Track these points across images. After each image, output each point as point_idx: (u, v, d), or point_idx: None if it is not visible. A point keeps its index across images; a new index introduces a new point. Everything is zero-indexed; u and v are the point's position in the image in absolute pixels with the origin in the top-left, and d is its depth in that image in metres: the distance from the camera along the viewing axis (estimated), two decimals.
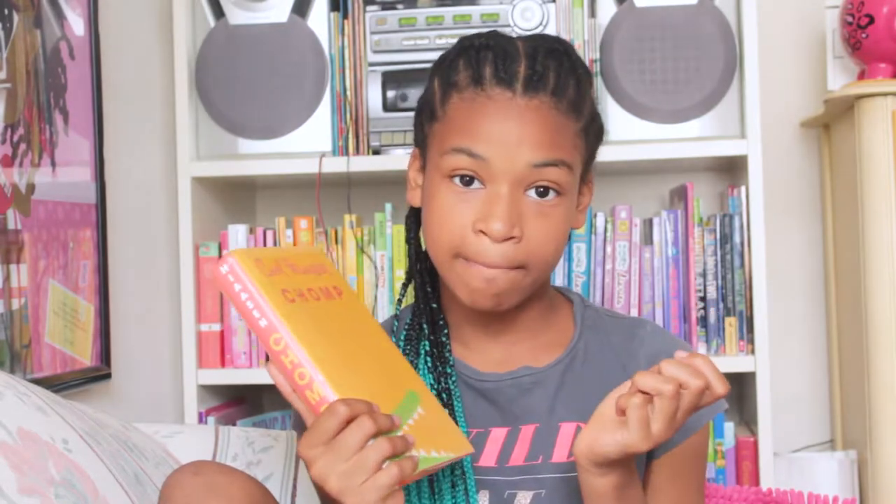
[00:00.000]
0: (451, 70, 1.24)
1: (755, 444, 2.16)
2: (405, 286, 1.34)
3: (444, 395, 1.25)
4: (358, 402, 1.05)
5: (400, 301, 1.36)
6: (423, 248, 1.29)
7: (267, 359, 1.11)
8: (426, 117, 1.27)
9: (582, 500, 1.19)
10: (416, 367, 1.27)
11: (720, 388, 1.09)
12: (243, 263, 1.09)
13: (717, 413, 1.29)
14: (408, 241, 1.33)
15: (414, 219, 1.32)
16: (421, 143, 1.29)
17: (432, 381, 1.26)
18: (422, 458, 1.08)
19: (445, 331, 1.29)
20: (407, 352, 1.29)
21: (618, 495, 1.15)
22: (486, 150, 1.18)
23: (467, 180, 1.19)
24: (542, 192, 1.20)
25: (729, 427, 2.19)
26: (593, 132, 1.27)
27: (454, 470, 1.23)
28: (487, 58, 1.22)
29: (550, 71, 1.21)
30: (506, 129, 1.18)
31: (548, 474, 1.24)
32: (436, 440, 1.12)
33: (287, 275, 1.13)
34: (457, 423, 1.23)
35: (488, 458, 1.25)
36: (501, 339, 1.29)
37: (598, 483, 1.14)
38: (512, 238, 1.18)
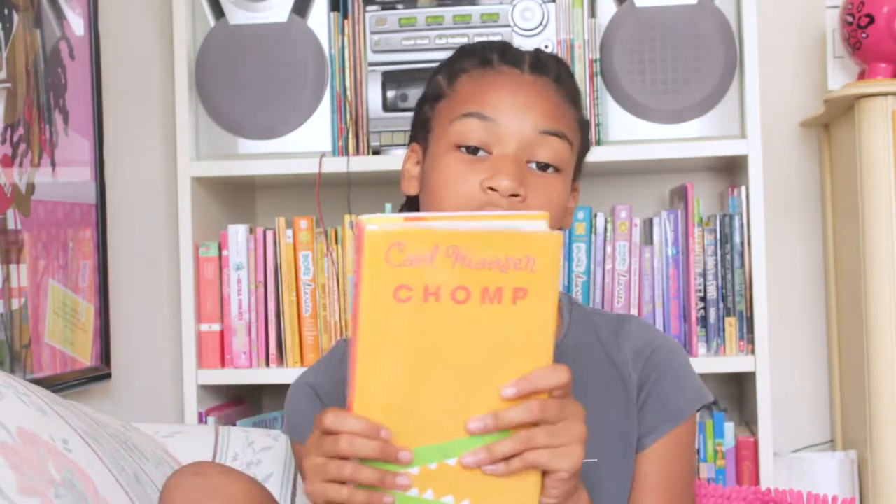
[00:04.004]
0: (457, 62, 1.32)
1: (755, 444, 2.15)
2: None
3: None
4: (348, 419, 0.98)
5: None
6: None
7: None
8: (430, 102, 1.33)
9: None
10: None
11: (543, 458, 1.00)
12: (372, 246, 0.94)
13: (702, 402, 1.31)
14: None
15: (408, 208, 1.36)
16: (423, 127, 1.33)
17: None
18: (428, 500, 1.01)
19: None
20: None
21: None
22: (496, 112, 1.24)
23: (472, 149, 1.25)
24: (542, 167, 1.25)
25: (729, 427, 2.19)
26: (584, 134, 1.34)
27: None
28: (493, 48, 1.32)
29: (552, 64, 1.31)
30: (515, 96, 1.26)
31: None
32: (477, 489, 1.01)
33: (434, 266, 0.95)
34: None
35: None
36: None
37: None
38: (517, 196, 1.22)
